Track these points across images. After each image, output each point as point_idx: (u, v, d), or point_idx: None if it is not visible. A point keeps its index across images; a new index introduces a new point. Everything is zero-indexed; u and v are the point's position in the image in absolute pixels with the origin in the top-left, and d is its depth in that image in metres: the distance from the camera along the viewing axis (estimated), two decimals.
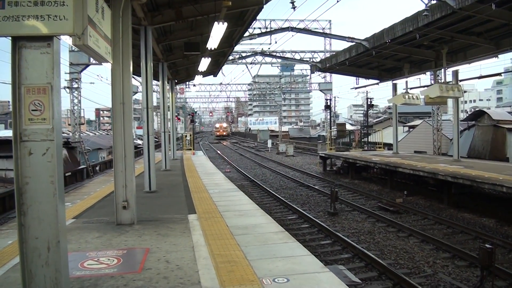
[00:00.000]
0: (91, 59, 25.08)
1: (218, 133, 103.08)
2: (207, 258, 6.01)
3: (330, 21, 38.69)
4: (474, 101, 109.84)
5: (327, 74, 44.65)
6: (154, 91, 32.07)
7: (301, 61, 41.14)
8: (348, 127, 52.66)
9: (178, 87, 45.62)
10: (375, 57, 23.16)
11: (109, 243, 6.89)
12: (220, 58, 23.70)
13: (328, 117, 44.73)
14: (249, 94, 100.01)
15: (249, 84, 78.93)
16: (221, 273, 5.40)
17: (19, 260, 4.18)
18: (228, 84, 61.80)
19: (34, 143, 4.14)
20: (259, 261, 5.90)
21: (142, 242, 6.90)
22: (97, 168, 26.07)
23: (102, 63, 6.08)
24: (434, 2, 15.45)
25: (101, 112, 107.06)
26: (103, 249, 6.53)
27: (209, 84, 65.85)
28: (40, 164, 4.15)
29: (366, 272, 9.29)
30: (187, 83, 47.98)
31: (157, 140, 32.73)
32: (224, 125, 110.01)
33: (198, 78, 27.48)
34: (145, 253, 6.27)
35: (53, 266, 4.15)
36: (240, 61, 40.72)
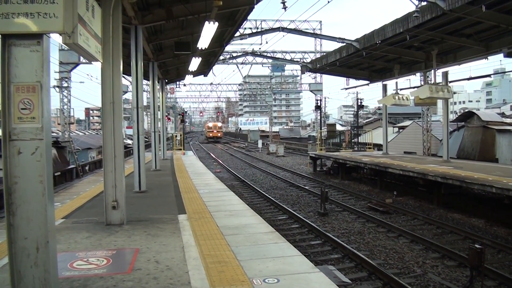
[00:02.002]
0: (81, 58, 24.95)
1: (211, 134, 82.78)
2: (197, 259, 5.99)
3: (320, 21, 38.99)
4: (464, 102, 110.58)
5: (318, 75, 44.87)
6: (144, 91, 31.93)
7: (292, 61, 41.25)
8: (338, 127, 52.82)
9: (168, 86, 45.48)
10: (366, 58, 23.22)
11: (98, 243, 6.84)
12: (210, 58, 23.67)
13: (318, 117, 44.82)
14: (239, 94, 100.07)
15: (239, 84, 78.96)
16: (211, 274, 5.38)
17: (8, 261, 4.14)
18: (218, 84, 61.88)
19: (23, 142, 4.11)
20: (250, 261, 5.89)
21: (132, 243, 6.86)
22: (87, 167, 25.94)
23: (92, 62, 6.04)
24: (425, 3, 15.52)
25: (91, 111, 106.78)
26: (92, 249, 6.49)
27: (200, 84, 65.80)
28: (29, 163, 4.12)
29: (356, 273, 9.32)
30: (178, 82, 47.78)
31: (147, 140, 32.61)
32: (219, 124, 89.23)
33: (189, 78, 27.43)
34: (134, 254, 6.23)
35: (42, 266, 4.11)
36: (230, 61, 40.75)
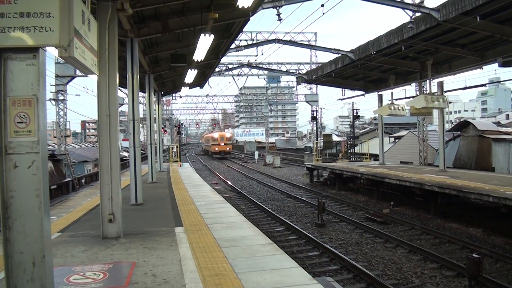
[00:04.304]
0: (77, 71, 24.95)
1: (217, 148, 62.95)
2: (194, 272, 5.95)
3: (315, 33, 39.03)
4: (459, 111, 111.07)
5: (313, 86, 44.96)
6: (140, 103, 31.94)
7: (287, 72, 41.38)
8: (335, 138, 52.85)
9: (164, 99, 45.54)
10: (361, 69, 23.34)
11: (95, 257, 6.80)
12: (206, 70, 23.73)
13: (315, 128, 44.87)
14: (235, 106, 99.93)
15: (235, 96, 78.96)
16: (209, 287, 5.34)
17: (4, 276, 4.11)
18: (214, 95, 61.80)
19: (19, 155, 4.10)
20: (247, 273, 5.86)
21: (129, 256, 6.82)
22: (83, 180, 25.81)
23: (88, 75, 6.04)
24: (419, 14, 15.63)
25: (87, 124, 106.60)
26: (89, 263, 6.44)
27: (196, 96, 64.77)
28: (25, 177, 4.10)
29: (354, 284, 9.27)
30: (174, 94, 47.91)
31: (143, 152, 32.58)
32: (227, 135, 68.04)
33: (185, 90, 27.46)
34: (131, 267, 6.19)
35: (38, 281, 4.08)
36: (226, 73, 40.83)
